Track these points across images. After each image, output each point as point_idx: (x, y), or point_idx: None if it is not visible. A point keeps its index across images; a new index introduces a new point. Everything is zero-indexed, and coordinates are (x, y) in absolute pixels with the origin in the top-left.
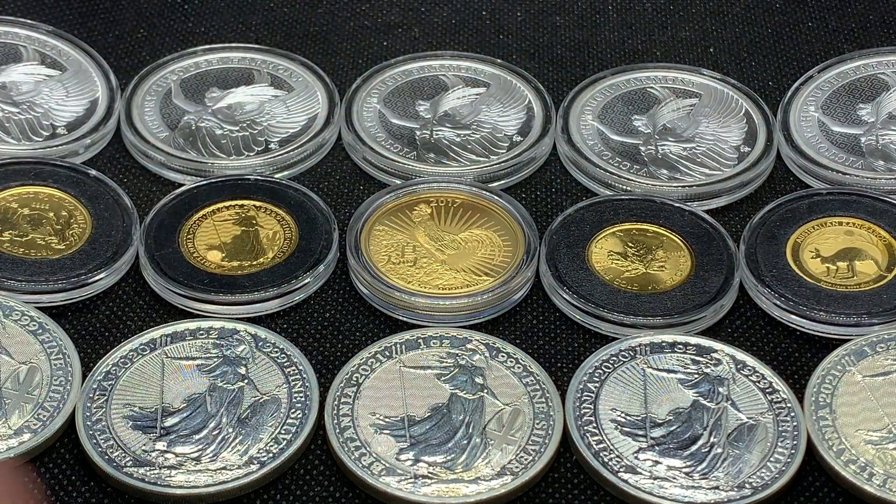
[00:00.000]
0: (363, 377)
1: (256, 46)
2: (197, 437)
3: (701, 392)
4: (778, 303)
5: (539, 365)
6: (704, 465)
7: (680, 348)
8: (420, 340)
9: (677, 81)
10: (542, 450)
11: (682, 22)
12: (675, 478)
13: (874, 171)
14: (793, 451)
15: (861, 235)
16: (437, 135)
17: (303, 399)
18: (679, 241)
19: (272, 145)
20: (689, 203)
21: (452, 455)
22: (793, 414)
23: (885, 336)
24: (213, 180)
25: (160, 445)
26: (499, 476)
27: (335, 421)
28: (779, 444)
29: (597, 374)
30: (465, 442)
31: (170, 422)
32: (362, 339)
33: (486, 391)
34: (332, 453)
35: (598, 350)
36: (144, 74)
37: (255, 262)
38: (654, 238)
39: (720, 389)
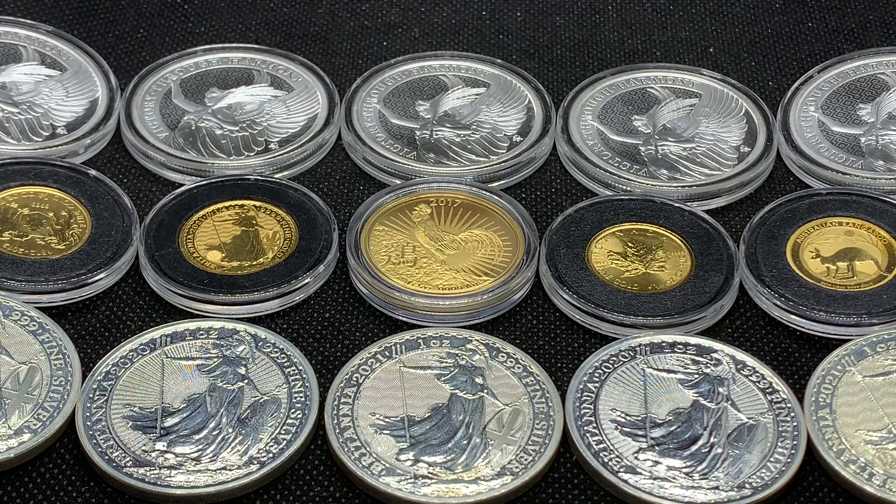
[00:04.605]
0: (363, 377)
1: (256, 46)
2: (197, 437)
3: (701, 392)
4: (778, 303)
5: (539, 365)
6: (704, 465)
7: (680, 348)
8: (420, 340)
9: (677, 81)
10: (542, 450)
11: (682, 22)
12: (675, 478)
13: (874, 171)
14: (793, 451)
15: (861, 235)
16: (437, 135)
17: (303, 399)
18: (679, 241)
19: (272, 145)
20: (689, 203)
21: (452, 455)
22: (793, 414)
23: (885, 336)
24: (213, 180)
25: (160, 445)
26: (499, 476)
27: (335, 421)
28: (779, 444)
29: (597, 374)
30: (465, 442)
31: (170, 422)
32: (362, 339)
33: (486, 391)
34: (332, 453)
35: (598, 350)
36: (144, 74)
37: (255, 262)
38: (654, 238)
39: (720, 389)
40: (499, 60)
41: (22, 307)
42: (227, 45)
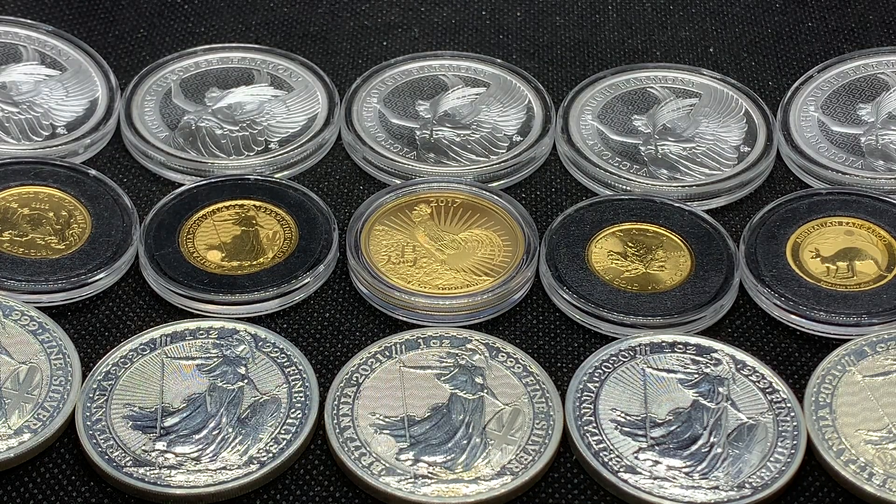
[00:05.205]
0: (363, 377)
1: (256, 46)
2: (197, 437)
3: (701, 392)
4: (778, 303)
5: (539, 365)
6: (704, 465)
7: (680, 348)
8: (420, 340)
9: (677, 81)
10: (542, 450)
11: (682, 22)
12: (675, 478)
13: (874, 171)
14: (793, 451)
15: (861, 235)
16: (437, 135)
17: (303, 399)
18: (679, 241)
19: (272, 145)
20: (689, 203)
21: (452, 455)
22: (793, 414)
23: (885, 336)
24: (213, 180)
25: (160, 445)
26: (499, 476)
27: (335, 421)
28: (779, 444)
29: (597, 374)
30: (465, 442)
31: (170, 422)
32: (362, 339)
33: (486, 391)
34: (332, 453)
35: (598, 350)
36: (144, 74)
37: (255, 262)
38: (654, 238)
39: (720, 389)
40: (499, 60)
41: (22, 307)
42: (227, 45)
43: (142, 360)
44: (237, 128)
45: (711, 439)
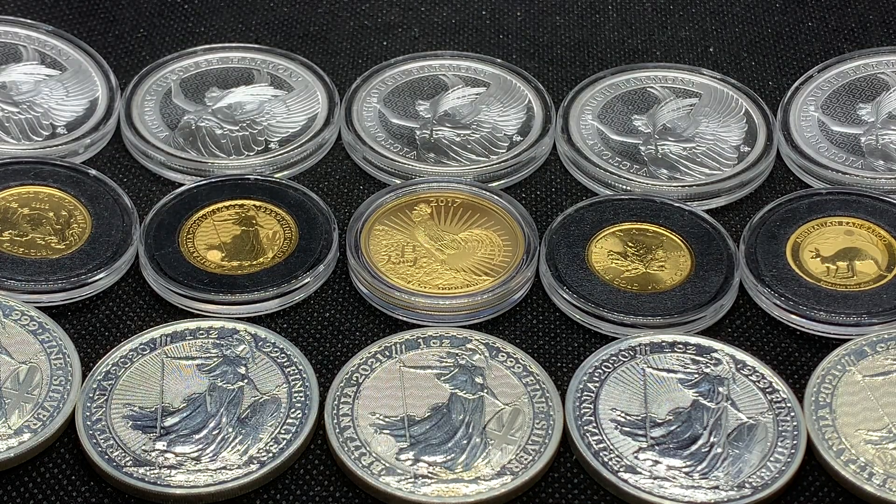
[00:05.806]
0: (363, 377)
1: (256, 46)
2: (197, 436)
3: (701, 392)
4: (778, 303)
5: (539, 365)
6: (704, 464)
7: (680, 348)
8: (420, 340)
9: (677, 81)
10: (542, 450)
11: (682, 22)
12: (675, 477)
13: (874, 171)
14: (793, 451)
15: (861, 235)
16: (437, 135)
17: (303, 399)
18: (679, 241)
19: (272, 145)
20: (689, 203)
21: (452, 455)
22: (793, 414)
23: (885, 336)
24: (213, 180)
25: (160, 445)
26: (499, 476)
27: (335, 421)
28: (779, 443)
29: (597, 374)
30: (465, 442)
31: (170, 421)
32: (362, 338)
33: (486, 391)
34: (332, 453)
35: (598, 350)
36: (144, 74)
37: (255, 262)
38: (654, 238)
39: (720, 389)
40: (499, 60)
41: (22, 307)
42: (227, 45)
43: (142, 360)
44: (237, 128)
45: (711, 439)
